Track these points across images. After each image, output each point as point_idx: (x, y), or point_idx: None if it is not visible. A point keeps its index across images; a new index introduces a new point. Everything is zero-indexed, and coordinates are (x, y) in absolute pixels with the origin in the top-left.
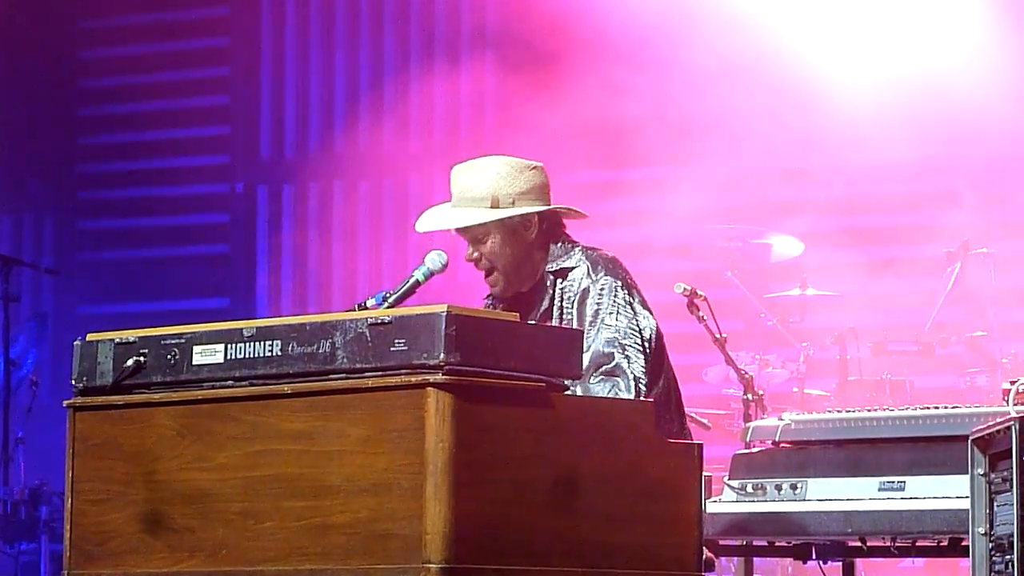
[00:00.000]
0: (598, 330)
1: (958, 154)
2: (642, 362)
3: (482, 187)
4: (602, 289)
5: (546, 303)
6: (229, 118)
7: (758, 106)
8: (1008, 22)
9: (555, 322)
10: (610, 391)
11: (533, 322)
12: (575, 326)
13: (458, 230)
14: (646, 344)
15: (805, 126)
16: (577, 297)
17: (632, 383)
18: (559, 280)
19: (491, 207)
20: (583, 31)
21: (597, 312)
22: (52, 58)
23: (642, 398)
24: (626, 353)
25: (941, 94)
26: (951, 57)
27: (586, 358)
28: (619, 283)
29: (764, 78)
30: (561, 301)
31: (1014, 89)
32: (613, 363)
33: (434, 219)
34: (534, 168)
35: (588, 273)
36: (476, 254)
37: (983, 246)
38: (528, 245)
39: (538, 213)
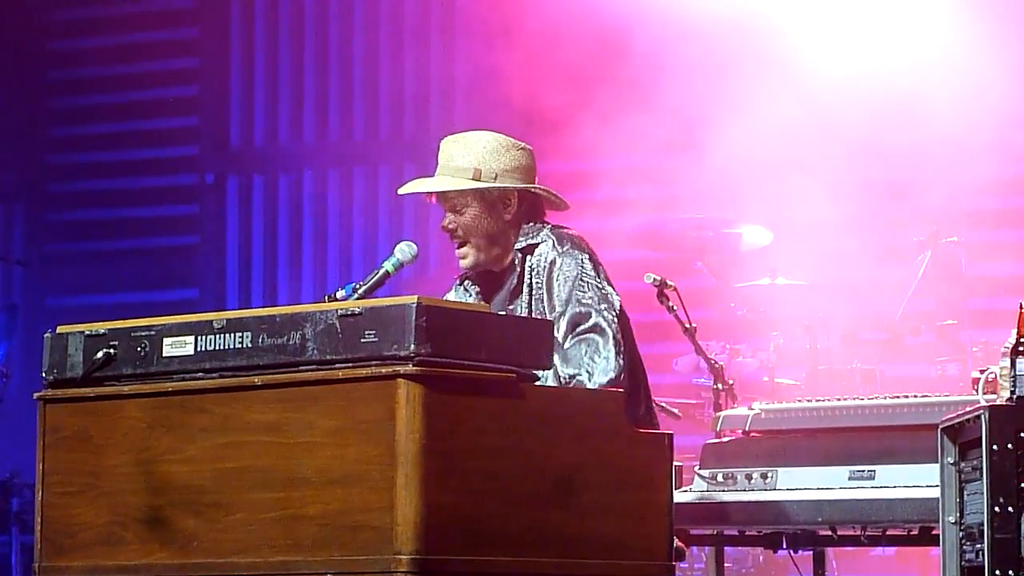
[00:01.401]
0: (570, 296)
1: (928, 142)
2: (616, 327)
3: (468, 158)
4: (570, 261)
5: (514, 280)
6: (198, 109)
7: (731, 94)
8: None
9: (524, 298)
10: (587, 352)
11: (503, 302)
12: (544, 299)
13: (438, 199)
14: (616, 315)
15: (776, 115)
16: (545, 270)
17: (612, 341)
18: (526, 256)
19: (473, 178)
20: (553, 17)
21: (566, 281)
22: (21, 49)
23: (622, 360)
24: (603, 315)
25: (915, 83)
26: (921, 49)
27: (562, 323)
28: (586, 256)
29: (737, 64)
30: (530, 277)
31: (980, 77)
32: (591, 322)
33: (416, 184)
34: (522, 149)
35: (554, 246)
36: (452, 224)
37: (953, 235)
38: (504, 223)
39: (518, 192)
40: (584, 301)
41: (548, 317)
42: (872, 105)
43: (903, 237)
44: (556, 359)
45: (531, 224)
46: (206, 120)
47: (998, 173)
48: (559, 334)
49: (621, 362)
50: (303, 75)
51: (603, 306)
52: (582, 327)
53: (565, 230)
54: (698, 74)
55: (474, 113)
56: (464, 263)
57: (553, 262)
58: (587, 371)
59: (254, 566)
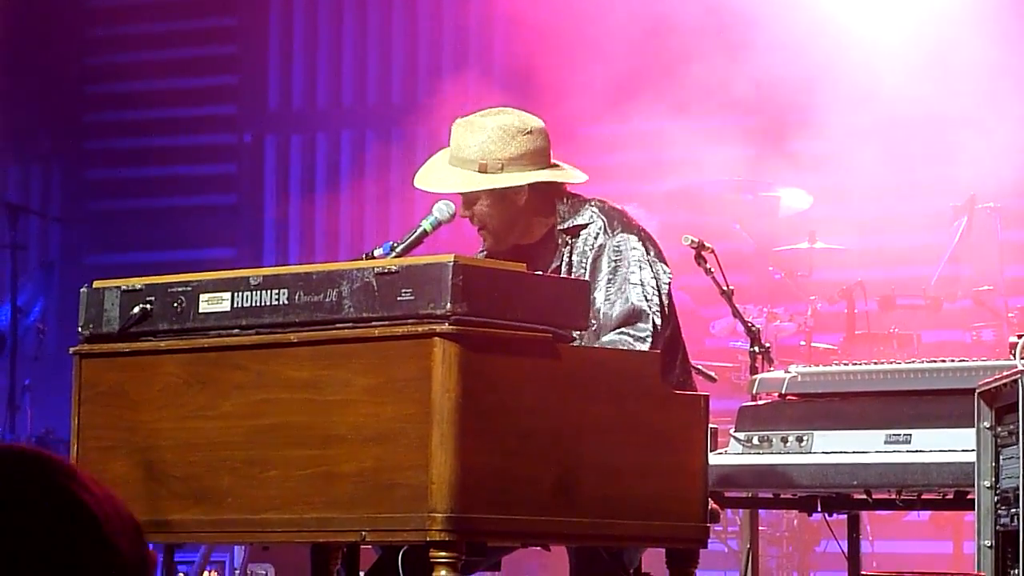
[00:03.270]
0: (620, 287)
1: (965, 108)
2: (659, 317)
3: (473, 149)
4: (619, 245)
5: (556, 262)
6: (237, 68)
7: (770, 60)
8: None
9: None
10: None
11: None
12: (588, 278)
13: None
14: (663, 297)
15: (816, 80)
16: (592, 253)
17: (650, 340)
18: (570, 238)
19: (479, 171)
20: None
21: (617, 268)
22: (59, 8)
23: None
24: (650, 306)
25: (953, 47)
26: (960, 11)
27: (612, 312)
28: (635, 237)
29: (772, 29)
30: (570, 258)
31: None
32: (638, 321)
33: (428, 178)
34: (529, 132)
35: (604, 229)
36: (468, 213)
37: (990, 201)
38: (519, 209)
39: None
40: (635, 293)
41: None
42: (911, 70)
43: (940, 202)
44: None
45: (567, 201)
46: (245, 79)
47: None
48: (605, 319)
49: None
50: (342, 36)
51: (652, 297)
52: (630, 327)
53: (611, 206)
54: (741, 37)
55: (511, 74)
56: (486, 245)
57: (602, 246)
58: None
59: (288, 523)
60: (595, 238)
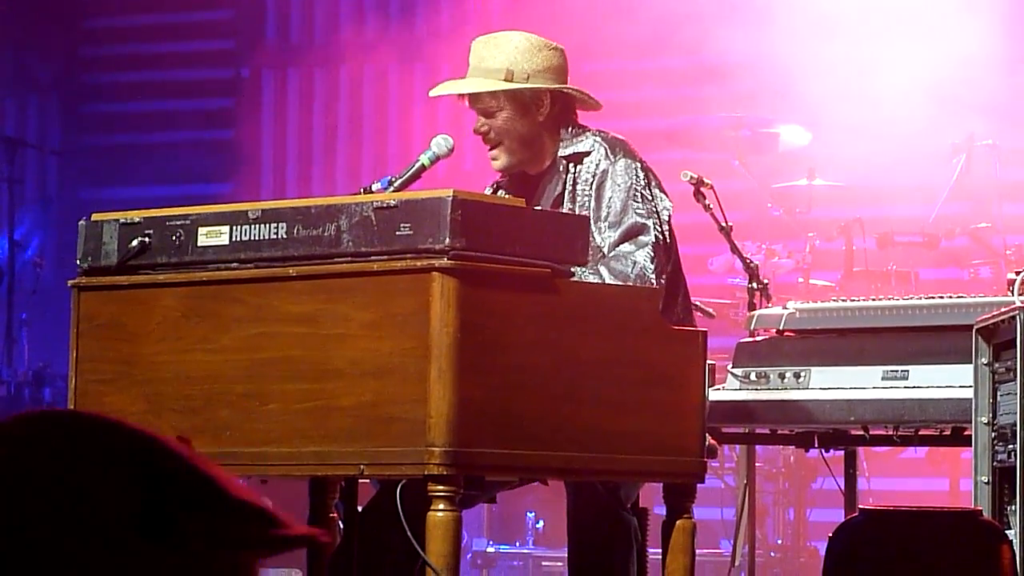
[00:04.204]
0: (624, 207)
1: (965, 47)
2: (659, 247)
3: (499, 59)
4: (623, 170)
5: (559, 188)
6: (234, 2)
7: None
8: None
9: (567, 206)
10: (632, 267)
11: (545, 207)
12: (591, 208)
13: (470, 101)
14: (664, 227)
15: (816, 16)
16: (595, 179)
17: (652, 260)
18: (572, 164)
19: (505, 79)
20: None
21: (620, 191)
22: None
23: (655, 276)
24: (653, 229)
25: None
26: None
27: (614, 233)
28: (639, 165)
29: None
30: (574, 185)
31: None
32: (641, 237)
33: (447, 86)
34: (553, 48)
35: (607, 155)
36: (485, 127)
37: (988, 138)
38: (538, 124)
39: (551, 93)
40: (639, 212)
41: (591, 222)
42: (909, 7)
43: (939, 140)
44: (602, 270)
45: (570, 128)
46: (242, 14)
47: None
48: (606, 241)
49: (653, 278)
50: None
51: (652, 220)
52: (630, 242)
53: (613, 136)
54: None
55: (514, 10)
56: (496, 164)
57: (605, 171)
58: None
59: (286, 456)
60: (597, 164)
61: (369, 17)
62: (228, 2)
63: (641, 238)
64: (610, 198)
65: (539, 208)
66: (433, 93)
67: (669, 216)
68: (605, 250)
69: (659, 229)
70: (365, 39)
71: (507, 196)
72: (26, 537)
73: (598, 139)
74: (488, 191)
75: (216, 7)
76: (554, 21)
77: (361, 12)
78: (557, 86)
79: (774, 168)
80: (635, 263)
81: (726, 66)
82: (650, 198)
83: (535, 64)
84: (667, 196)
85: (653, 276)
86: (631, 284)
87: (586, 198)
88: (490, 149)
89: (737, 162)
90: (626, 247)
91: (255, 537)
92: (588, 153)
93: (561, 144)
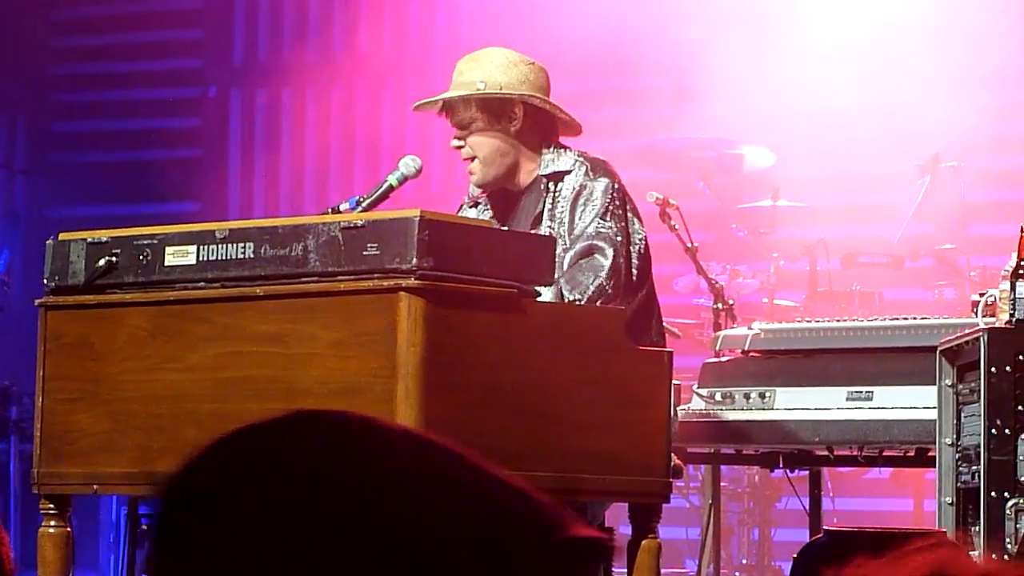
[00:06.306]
0: (595, 229)
1: (929, 66)
2: (621, 265)
3: (475, 73)
4: (600, 188)
5: (539, 206)
6: (202, 22)
7: (734, 19)
8: None
9: (547, 224)
10: (589, 278)
11: (525, 226)
12: (566, 223)
13: (448, 115)
14: (633, 250)
15: (781, 38)
16: (572, 195)
17: (611, 270)
18: (552, 183)
19: (477, 90)
20: None
21: (593, 210)
22: None
23: (608, 294)
24: (616, 249)
25: (915, 9)
26: None
27: (578, 247)
28: (617, 186)
29: None
30: (554, 204)
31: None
32: (601, 253)
33: (427, 98)
34: (531, 64)
35: (587, 173)
36: (460, 141)
37: (953, 160)
38: (511, 136)
39: (524, 105)
40: (609, 231)
41: (565, 238)
42: (873, 29)
43: (904, 161)
44: (561, 281)
45: (552, 149)
46: (210, 33)
47: (998, 99)
48: (568, 254)
49: (611, 293)
50: None
51: (620, 239)
52: (593, 257)
53: (595, 156)
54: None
55: (478, 33)
56: (473, 179)
57: (583, 186)
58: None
59: None
60: (577, 182)
61: (337, 37)
62: (196, 21)
63: (604, 256)
64: (583, 213)
65: (505, 228)
66: (415, 105)
67: (642, 241)
68: (566, 263)
69: (626, 252)
70: (333, 59)
71: (488, 213)
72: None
73: (580, 159)
74: (467, 206)
75: (184, 26)
76: (523, 42)
77: (329, 32)
78: (528, 93)
79: (739, 189)
80: (595, 278)
81: (691, 87)
82: (622, 221)
83: (509, 77)
84: (641, 223)
85: (611, 291)
86: (590, 295)
87: (564, 215)
88: (469, 164)
89: (702, 183)
90: (588, 262)
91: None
92: (568, 172)
93: (542, 163)
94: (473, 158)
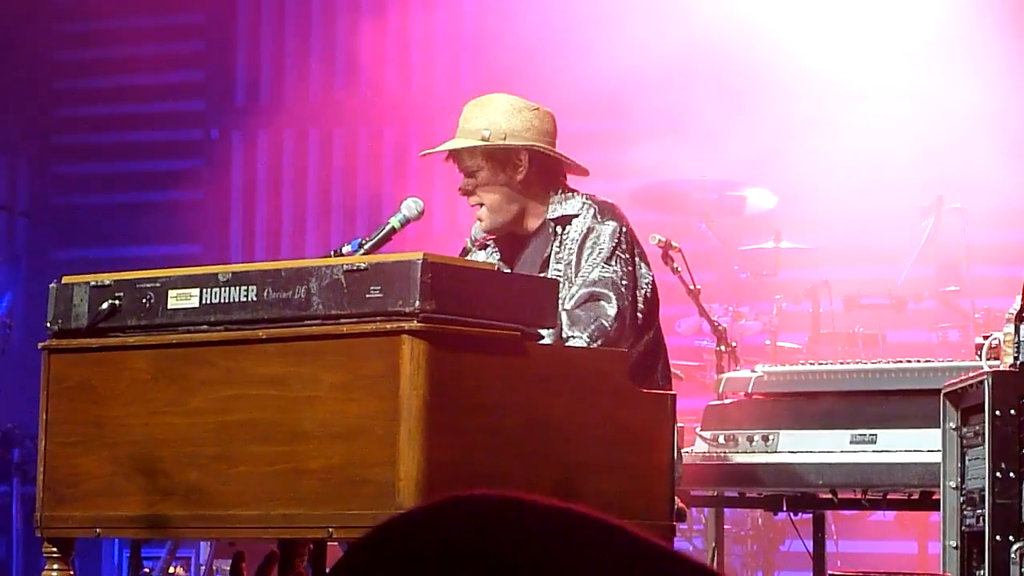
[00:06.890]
0: (597, 266)
1: (933, 110)
2: (626, 309)
3: (480, 120)
4: (607, 232)
5: (547, 250)
6: (205, 64)
7: (734, 60)
8: None
9: (553, 267)
10: (592, 317)
11: (532, 269)
12: (573, 265)
13: (455, 161)
14: (639, 294)
15: (782, 81)
16: (580, 237)
17: (616, 310)
18: (560, 227)
19: (482, 139)
20: None
21: (599, 251)
22: (27, 2)
23: (609, 336)
24: (617, 295)
25: (921, 55)
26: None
27: (583, 291)
28: (624, 230)
29: (740, 29)
30: (561, 247)
31: (983, 48)
32: (605, 297)
33: (433, 148)
34: (536, 110)
35: (595, 216)
36: (469, 186)
37: (956, 202)
38: (518, 183)
39: (528, 153)
40: (615, 274)
41: (572, 280)
42: (875, 71)
43: (907, 203)
44: (563, 316)
45: (560, 193)
46: (212, 75)
47: (1001, 142)
48: (573, 294)
49: (612, 333)
50: (310, 31)
51: (625, 284)
52: (597, 301)
53: (603, 200)
54: (706, 39)
55: (479, 74)
56: (481, 225)
57: (591, 229)
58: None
59: (255, 519)
60: (584, 225)
61: (339, 80)
62: (198, 63)
63: (608, 302)
64: (589, 257)
65: (508, 271)
66: (421, 153)
67: (649, 284)
68: (570, 304)
69: (631, 296)
70: (335, 101)
71: (496, 256)
72: None
73: (588, 202)
74: (475, 249)
75: (186, 68)
76: (523, 84)
77: (331, 74)
78: (531, 143)
79: (741, 230)
80: (596, 317)
81: (693, 129)
82: (629, 265)
83: (513, 124)
84: (648, 266)
85: (613, 335)
86: (591, 333)
87: (571, 257)
88: (477, 211)
89: (703, 225)
90: (592, 305)
91: None
92: (576, 215)
93: (550, 207)
94: (480, 204)
